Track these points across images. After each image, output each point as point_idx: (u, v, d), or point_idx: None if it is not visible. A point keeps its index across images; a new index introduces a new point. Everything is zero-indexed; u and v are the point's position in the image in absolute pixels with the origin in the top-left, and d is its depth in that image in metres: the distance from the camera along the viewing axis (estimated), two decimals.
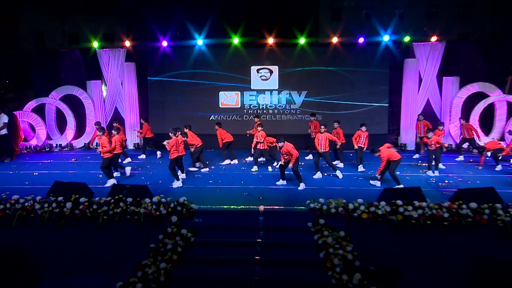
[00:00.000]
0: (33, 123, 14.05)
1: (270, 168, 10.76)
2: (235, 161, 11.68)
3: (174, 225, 7.08)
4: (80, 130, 14.55)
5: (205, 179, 10.01)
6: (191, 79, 14.12)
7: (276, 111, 14.19)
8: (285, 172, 9.35)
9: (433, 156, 10.13)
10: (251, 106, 14.25)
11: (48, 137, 14.32)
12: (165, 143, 9.27)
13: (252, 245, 6.77)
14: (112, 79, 14.43)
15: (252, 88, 14.08)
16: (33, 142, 14.09)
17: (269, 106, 14.20)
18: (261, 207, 7.66)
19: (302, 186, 9.03)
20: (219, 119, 14.20)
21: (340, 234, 6.71)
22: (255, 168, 10.83)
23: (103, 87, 14.87)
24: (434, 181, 9.59)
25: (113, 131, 9.85)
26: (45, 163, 12.13)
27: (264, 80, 14.02)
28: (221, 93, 14.23)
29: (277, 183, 9.36)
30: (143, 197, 7.68)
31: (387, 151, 9.03)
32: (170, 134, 9.28)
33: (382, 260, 6.51)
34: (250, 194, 8.66)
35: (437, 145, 10.02)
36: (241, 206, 7.79)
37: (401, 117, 13.78)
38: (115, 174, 10.05)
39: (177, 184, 9.22)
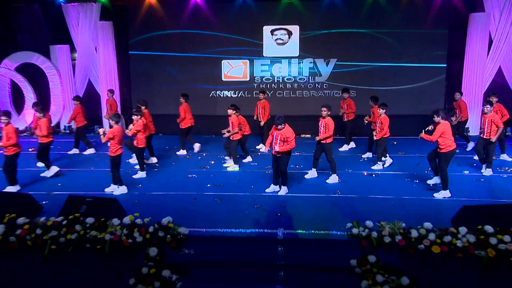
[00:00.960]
0: None
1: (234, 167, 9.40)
2: (184, 152, 10.67)
3: (153, 261, 5.60)
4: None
5: (201, 182, 8.56)
6: (184, 43, 12.92)
7: (296, 86, 12.95)
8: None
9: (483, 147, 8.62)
10: (263, 79, 12.99)
11: None
12: (100, 131, 7.76)
13: None
14: (83, 43, 13.50)
15: (264, 55, 12.85)
16: None
17: (287, 79, 12.91)
18: (280, 231, 6.17)
19: (283, 190, 7.79)
20: (222, 95, 13.12)
21: (402, 281, 5.06)
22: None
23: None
24: None
25: (36, 113, 8.52)
26: None
27: (281, 44, 12.70)
28: (224, 62, 12.97)
29: (267, 190, 7.92)
30: (111, 215, 6.22)
31: (446, 127, 7.29)
32: (110, 122, 7.87)
33: None
34: (263, 207, 7.18)
35: (496, 130, 8.38)
36: (251, 230, 6.27)
37: (463, 91, 12.23)
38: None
39: (120, 190, 7.94)
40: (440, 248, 5.56)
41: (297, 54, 12.67)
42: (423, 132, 7.51)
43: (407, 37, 12.30)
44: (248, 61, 12.84)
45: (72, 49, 13.55)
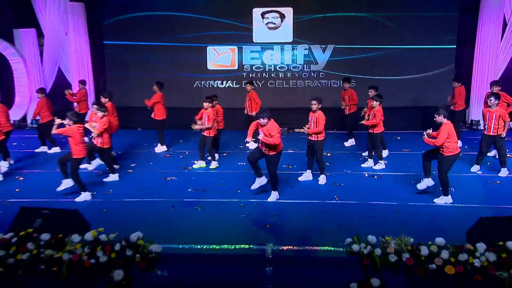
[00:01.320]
0: None
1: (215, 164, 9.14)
2: (164, 148, 10.46)
3: (118, 286, 5.05)
4: (6, 102, 12.45)
5: (181, 185, 8.07)
6: (164, 27, 12.52)
7: (289, 75, 12.71)
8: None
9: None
10: (253, 67, 12.71)
11: None
12: (57, 121, 7.36)
13: None
14: (52, 26, 13.00)
15: (254, 41, 12.56)
16: None
17: (279, 68, 12.67)
18: (269, 247, 5.68)
19: (273, 196, 7.36)
20: (207, 85, 12.76)
21: None
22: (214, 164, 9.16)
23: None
24: None
25: None
26: None
27: (272, 28, 12.46)
28: (210, 49, 12.65)
29: (253, 187, 7.47)
30: (71, 230, 5.64)
31: (450, 127, 6.79)
32: (67, 120, 7.30)
33: None
34: (250, 216, 6.71)
35: (503, 126, 7.99)
36: (235, 246, 5.76)
37: (472, 81, 12.31)
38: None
39: (83, 197, 7.48)
40: (454, 269, 5.08)
41: (291, 40, 12.40)
42: (426, 136, 6.96)
43: (413, 22, 12.04)
44: (236, 48, 12.54)
45: (39, 34, 13.04)
